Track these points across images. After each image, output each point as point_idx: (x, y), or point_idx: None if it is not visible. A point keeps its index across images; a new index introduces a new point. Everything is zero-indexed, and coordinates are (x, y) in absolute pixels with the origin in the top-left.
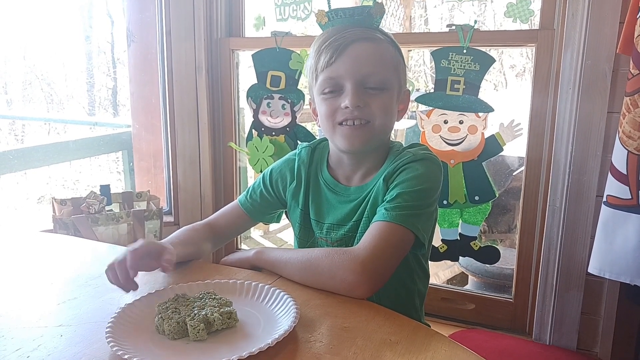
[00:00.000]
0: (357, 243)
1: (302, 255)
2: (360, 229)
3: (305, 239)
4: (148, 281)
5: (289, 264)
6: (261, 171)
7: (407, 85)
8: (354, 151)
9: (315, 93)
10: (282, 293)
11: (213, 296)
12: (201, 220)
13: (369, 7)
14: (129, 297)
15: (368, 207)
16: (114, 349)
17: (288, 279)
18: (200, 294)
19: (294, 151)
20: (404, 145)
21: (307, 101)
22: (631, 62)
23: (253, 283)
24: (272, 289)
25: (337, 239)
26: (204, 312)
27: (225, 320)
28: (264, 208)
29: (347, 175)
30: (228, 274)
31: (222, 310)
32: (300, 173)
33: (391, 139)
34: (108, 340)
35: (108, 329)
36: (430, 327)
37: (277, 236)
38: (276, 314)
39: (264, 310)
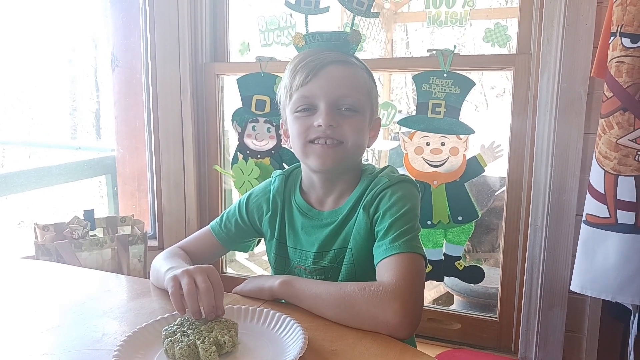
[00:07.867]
0: (344, 276)
1: (334, 290)
2: (346, 260)
3: (281, 268)
4: (153, 309)
5: (319, 298)
6: None
7: (387, 109)
8: (326, 170)
9: (289, 112)
10: (288, 319)
11: (219, 319)
12: None
13: (346, 33)
14: (127, 327)
15: (351, 238)
16: None
17: (318, 315)
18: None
19: (270, 179)
20: (376, 169)
21: None
22: (605, 85)
23: (258, 308)
24: (278, 314)
25: (319, 269)
26: (213, 334)
27: (235, 342)
28: (238, 237)
29: (320, 199)
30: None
31: (231, 332)
32: (276, 201)
33: (364, 162)
34: None
35: (115, 357)
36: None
37: (263, 258)
38: (283, 340)
39: (270, 335)
